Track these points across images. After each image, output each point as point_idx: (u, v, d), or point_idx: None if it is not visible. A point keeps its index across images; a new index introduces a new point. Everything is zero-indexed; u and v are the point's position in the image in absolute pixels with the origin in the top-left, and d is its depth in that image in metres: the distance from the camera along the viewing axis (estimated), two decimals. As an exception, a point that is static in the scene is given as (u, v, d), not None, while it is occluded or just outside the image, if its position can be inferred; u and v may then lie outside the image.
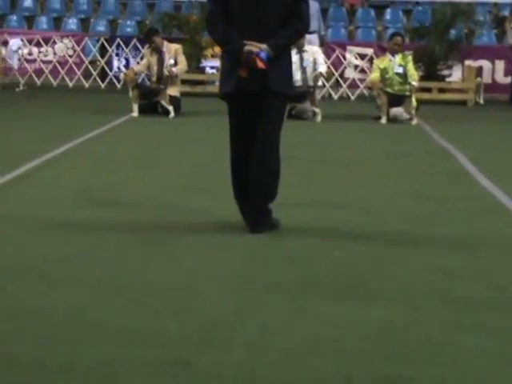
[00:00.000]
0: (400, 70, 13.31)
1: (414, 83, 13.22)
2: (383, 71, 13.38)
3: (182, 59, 13.53)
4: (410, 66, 13.38)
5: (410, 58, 13.71)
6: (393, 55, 13.48)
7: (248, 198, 5.99)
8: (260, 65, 5.78)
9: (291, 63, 6.23)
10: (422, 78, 16.51)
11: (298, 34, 6.18)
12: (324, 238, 5.86)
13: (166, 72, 13.18)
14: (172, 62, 13.36)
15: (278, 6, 5.88)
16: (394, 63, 13.37)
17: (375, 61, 14.40)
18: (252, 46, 5.81)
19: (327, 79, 17.02)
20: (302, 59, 13.70)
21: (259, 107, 5.89)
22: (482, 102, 16.91)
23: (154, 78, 13.65)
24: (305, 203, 7.05)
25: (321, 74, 13.79)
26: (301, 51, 13.74)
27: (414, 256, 5.46)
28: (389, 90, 13.29)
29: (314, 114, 13.32)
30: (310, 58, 13.70)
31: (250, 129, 5.93)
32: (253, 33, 5.84)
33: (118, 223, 6.15)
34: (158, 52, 13.60)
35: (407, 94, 13.23)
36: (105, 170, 8.43)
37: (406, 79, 13.26)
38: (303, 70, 13.71)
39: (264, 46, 5.83)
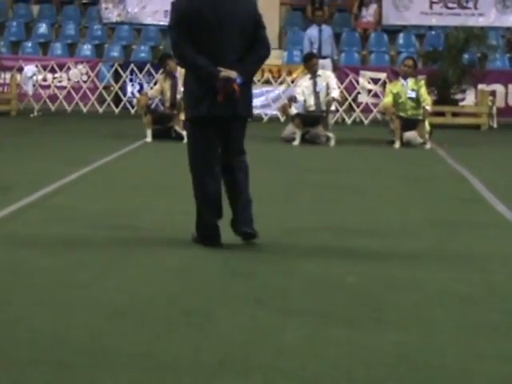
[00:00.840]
0: (413, 95, 13.33)
1: (428, 107, 13.23)
2: (396, 96, 13.41)
3: None
4: (423, 91, 13.40)
5: (422, 82, 13.74)
6: (405, 79, 13.51)
7: (219, 211, 6.24)
8: (238, 91, 6.00)
9: (251, 88, 6.52)
10: (435, 103, 16.54)
11: (263, 60, 6.50)
12: (338, 263, 5.86)
13: (179, 97, 13.24)
14: (183, 88, 13.43)
15: (241, 34, 6.18)
16: (407, 88, 13.40)
17: (388, 85, 14.45)
18: (227, 73, 6.01)
19: (340, 104, 17.07)
20: (315, 84, 13.74)
21: (228, 129, 6.23)
22: (495, 125, 16.89)
23: (167, 104, 13.71)
24: (318, 228, 7.04)
25: (334, 98, 13.82)
26: (314, 76, 13.78)
27: (427, 280, 5.44)
28: (402, 114, 13.30)
29: (328, 138, 13.33)
30: (323, 83, 13.74)
31: (216, 148, 6.25)
32: (218, 59, 6.10)
33: (134, 248, 6.16)
34: (172, 77, 13.68)
35: (420, 118, 13.25)
36: (119, 195, 8.46)
37: (419, 103, 13.28)
38: (316, 94, 13.74)
39: (235, 73, 6.02)
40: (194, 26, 6.14)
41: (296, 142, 13.18)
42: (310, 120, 13.49)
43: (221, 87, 5.99)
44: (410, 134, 13.23)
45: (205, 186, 6.20)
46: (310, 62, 14.05)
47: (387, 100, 13.63)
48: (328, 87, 13.74)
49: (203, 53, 6.12)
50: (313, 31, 17.36)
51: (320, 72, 13.94)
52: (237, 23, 6.18)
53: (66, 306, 4.74)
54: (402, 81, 13.58)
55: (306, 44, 17.45)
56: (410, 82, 13.46)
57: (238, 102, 6.10)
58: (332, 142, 13.26)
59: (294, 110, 13.49)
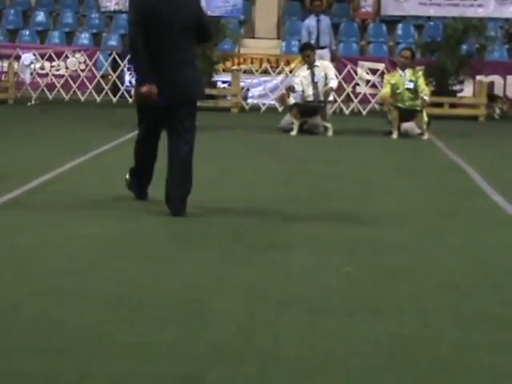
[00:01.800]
0: (410, 86, 13.32)
1: (426, 98, 13.22)
2: (394, 86, 13.39)
3: None
4: (421, 82, 13.38)
5: (420, 73, 13.72)
6: (403, 70, 13.49)
7: (149, 175, 7.43)
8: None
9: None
10: (433, 93, 16.51)
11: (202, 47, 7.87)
12: (336, 252, 5.86)
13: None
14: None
15: (186, 34, 6.97)
16: (405, 78, 13.39)
17: (386, 76, 14.44)
18: (150, 91, 6.93)
19: (338, 94, 17.06)
20: (313, 74, 13.73)
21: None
22: (497, 116, 16.93)
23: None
24: (316, 217, 7.04)
25: (332, 89, 13.82)
26: (312, 66, 13.76)
27: (425, 271, 5.44)
28: (400, 105, 13.29)
29: (326, 128, 13.34)
30: (321, 73, 13.73)
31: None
32: (171, 56, 6.93)
33: (130, 237, 6.16)
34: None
35: (418, 108, 13.24)
36: (117, 184, 8.44)
37: (417, 94, 13.27)
38: (314, 85, 13.73)
39: (155, 94, 6.91)
40: (151, 25, 6.87)
41: (293, 132, 13.18)
42: (308, 110, 13.49)
43: (138, 94, 7.15)
44: (408, 125, 13.23)
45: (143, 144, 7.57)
46: (303, 53, 14.03)
47: (385, 91, 13.61)
48: (326, 77, 13.73)
49: (158, 50, 6.90)
50: (311, 21, 17.32)
51: (318, 62, 13.93)
52: (182, 23, 6.93)
53: (63, 294, 4.73)
54: (399, 71, 13.57)
55: (304, 34, 17.41)
56: (408, 72, 13.45)
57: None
58: (330, 132, 13.27)
59: (291, 100, 13.48)
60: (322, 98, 13.63)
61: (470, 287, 5.11)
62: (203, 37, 7.15)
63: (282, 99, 13.97)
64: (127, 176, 7.63)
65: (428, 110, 13.71)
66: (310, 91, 13.69)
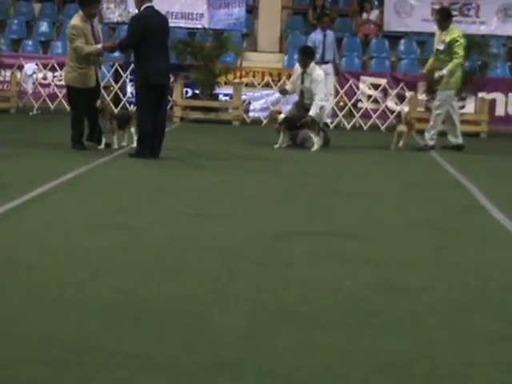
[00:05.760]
0: (441, 47, 13.38)
1: (444, 72, 13.30)
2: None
3: None
4: (455, 45, 13.40)
5: (457, 35, 13.56)
6: (442, 30, 13.56)
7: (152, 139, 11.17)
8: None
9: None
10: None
11: None
12: (334, 267, 5.85)
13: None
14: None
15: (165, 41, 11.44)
16: (439, 39, 13.52)
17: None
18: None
19: (340, 109, 17.07)
20: (302, 81, 13.57)
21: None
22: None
23: None
24: (316, 232, 7.04)
25: (310, 117, 13.08)
26: (304, 71, 13.54)
27: (424, 287, 5.43)
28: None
29: (312, 142, 13.07)
30: (308, 84, 13.49)
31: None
32: (163, 56, 11.23)
33: (131, 247, 6.15)
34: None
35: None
36: (117, 195, 8.45)
37: (450, 56, 13.36)
38: (301, 91, 13.61)
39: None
40: (146, 36, 11.04)
41: (277, 145, 12.98)
42: (297, 123, 13.23)
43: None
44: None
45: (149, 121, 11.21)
46: (300, 57, 13.88)
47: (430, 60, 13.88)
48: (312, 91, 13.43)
49: (154, 53, 11.07)
50: (317, 35, 17.34)
51: (308, 70, 13.61)
52: (164, 34, 11.37)
53: (61, 304, 4.73)
54: (438, 31, 13.67)
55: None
56: (443, 33, 13.48)
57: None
58: (315, 147, 12.96)
59: (281, 117, 13.25)
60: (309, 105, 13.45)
61: (469, 303, 5.10)
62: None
63: (272, 118, 13.71)
64: (135, 146, 11.42)
65: (426, 125, 13.83)
66: (298, 93, 13.66)
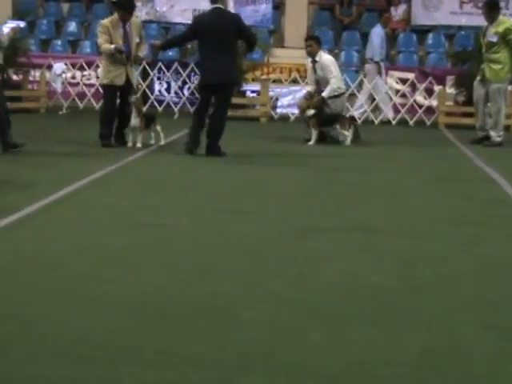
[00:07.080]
0: (493, 39, 13.24)
1: None
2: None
3: None
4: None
5: (506, 25, 13.38)
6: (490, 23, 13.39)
7: (199, 138, 11.42)
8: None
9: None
10: (464, 103, 16.43)
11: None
12: (362, 263, 5.84)
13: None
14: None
15: (233, 37, 11.44)
16: (489, 31, 13.34)
17: None
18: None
19: (369, 104, 17.01)
20: (314, 70, 13.51)
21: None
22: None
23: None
24: (343, 227, 7.02)
25: (323, 99, 13.25)
26: (313, 61, 13.46)
27: (453, 282, 5.41)
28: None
29: (344, 137, 13.12)
30: (320, 72, 13.39)
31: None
32: (217, 56, 11.23)
33: (158, 245, 6.17)
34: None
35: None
36: (146, 192, 8.49)
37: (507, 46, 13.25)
38: (316, 82, 13.52)
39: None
40: (200, 37, 11.46)
41: (311, 142, 13.02)
42: (327, 119, 13.27)
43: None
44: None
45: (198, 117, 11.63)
46: (307, 42, 13.75)
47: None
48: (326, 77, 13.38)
49: (207, 51, 11.39)
50: (380, 31, 17.55)
51: (318, 57, 13.48)
52: (221, 35, 11.22)
53: (92, 300, 4.76)
54: (486, 24, 13.52)
55: (377, 41, 17.47)
56: (493, 25, 13.27)
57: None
58: (347, 141, 13.07)
59: (311, 111, 13.24)
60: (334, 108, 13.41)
61: (501, 299, 5.06)
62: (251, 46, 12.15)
63: (302, 108, 13.68)
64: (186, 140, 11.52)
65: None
66: (314, 85, 13.60)
